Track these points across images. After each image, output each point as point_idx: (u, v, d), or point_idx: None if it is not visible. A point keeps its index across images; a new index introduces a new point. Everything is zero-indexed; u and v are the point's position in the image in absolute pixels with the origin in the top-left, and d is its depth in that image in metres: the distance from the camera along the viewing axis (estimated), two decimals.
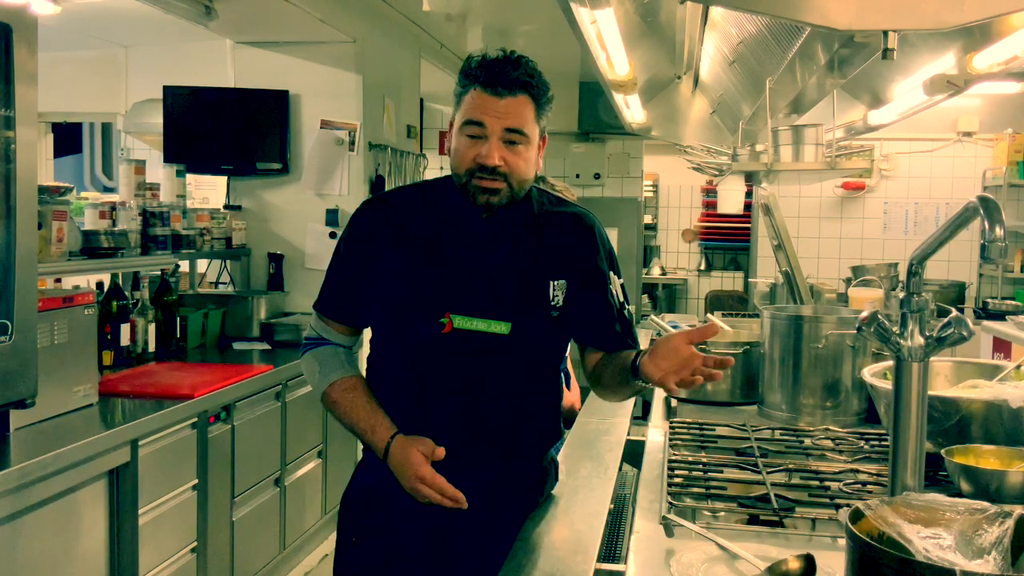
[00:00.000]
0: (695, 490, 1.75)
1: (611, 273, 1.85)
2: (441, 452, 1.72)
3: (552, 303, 1.79)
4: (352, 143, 4.67)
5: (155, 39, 5.26)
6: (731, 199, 5.65)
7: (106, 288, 3.49)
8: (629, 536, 1.61)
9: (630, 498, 2.05)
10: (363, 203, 1.94)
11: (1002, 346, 5.03)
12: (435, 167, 6.94)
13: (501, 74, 1.69)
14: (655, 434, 2.32)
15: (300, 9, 4.02)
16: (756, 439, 2.15)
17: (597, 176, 7.87)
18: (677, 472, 1.86)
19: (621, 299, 1.86)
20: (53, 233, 2.89)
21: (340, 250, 1.89)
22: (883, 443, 2.08)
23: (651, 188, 9.09)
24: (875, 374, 2.06)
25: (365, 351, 1.95)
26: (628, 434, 2.37)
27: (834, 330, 2.42)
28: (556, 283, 1.80)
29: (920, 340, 1.52)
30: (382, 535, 1.83)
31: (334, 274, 1.89)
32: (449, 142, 1.78)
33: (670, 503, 1.65)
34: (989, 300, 6.50)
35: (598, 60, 3.22)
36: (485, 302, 1.76)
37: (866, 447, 2.11)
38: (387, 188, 4.84)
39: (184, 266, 4.62)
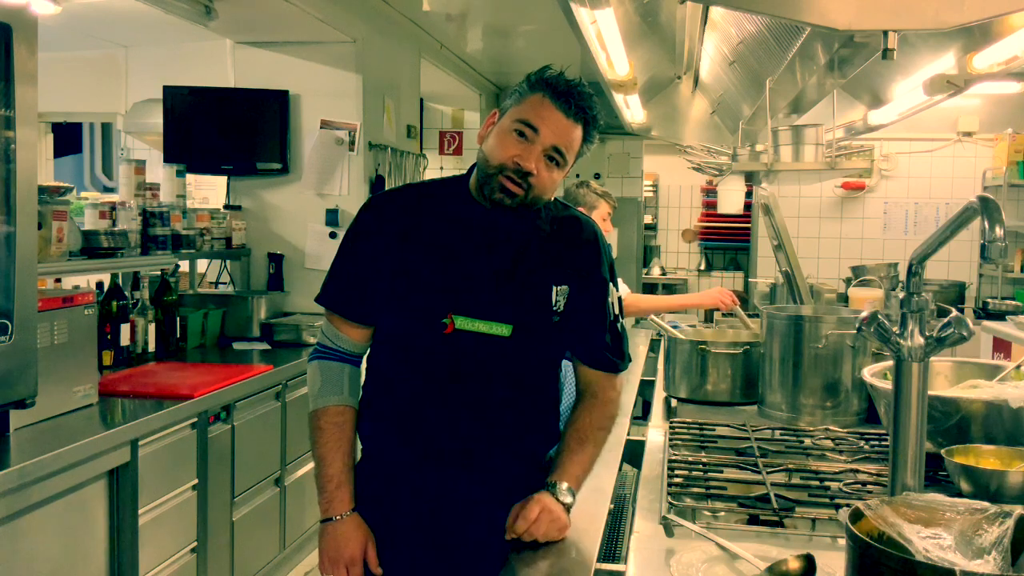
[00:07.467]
0: (695, 490, 1.75)
1: (611, 284, 1.86)
2: (378, 571, 1.80)
3: (554, 307, 1.79)
4: (352, 143, 4.67)
5: (155, 39, 5.26)
6: (731, 199, 5.64)
7: (106, 288, 3.49)
8: (629, 536, 1.61)
9: (630, 498, 2.05)
10: (370, 199, 1.93)
11: (1002, 346, 5.03)
12: (435, 167, 6.94)
13: (579, 97, 1.72)
14: (655, 434, 2.32)
15: (300, 9, 4.02)
16: (756, 439, 2.15)
17: (597, 176, 7.88)
18: (677, 472, 1.86)
19: (616, 311, 1.86)
20: (53, 233, 2.89)
21: (347, 245, 1.87)
22: (883, 443, 2.08)
23: (651, 188, 9.10)
24: (875, 374, 2.06)
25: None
26: (628, 434, 2.37)
27: (834, 330, 2.42)
28: (559, 288, 1.80)
29: (920, 340, 1.52)
30: (382, 534, 1.83)
31: (343, 269, 1.86)
32: (485, 132, 1.78)
33: (670, 503, 1.66)
34: (989, 300, 6.50)
35: (598, 60, 3.23)
36: (488, 304, 1.76)
37: (866, 447, 2.11)
38: (387, 188, 4.84)
39: (184, 266, 4.62)
